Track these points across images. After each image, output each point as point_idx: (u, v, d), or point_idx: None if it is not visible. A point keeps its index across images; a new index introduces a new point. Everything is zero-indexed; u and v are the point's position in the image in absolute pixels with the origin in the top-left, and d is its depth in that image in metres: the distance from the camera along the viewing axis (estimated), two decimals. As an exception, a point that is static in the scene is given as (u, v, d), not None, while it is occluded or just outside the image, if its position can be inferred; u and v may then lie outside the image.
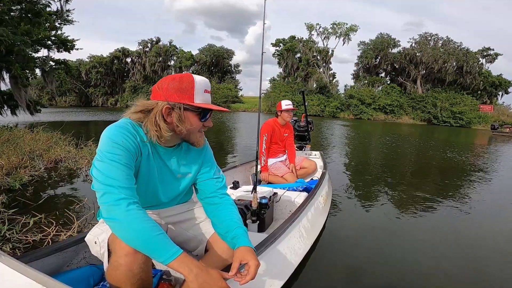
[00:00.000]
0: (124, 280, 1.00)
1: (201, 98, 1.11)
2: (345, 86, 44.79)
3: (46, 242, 2.20)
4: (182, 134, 1.15)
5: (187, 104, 1.09)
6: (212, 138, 9.71)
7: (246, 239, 1.16)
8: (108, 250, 1.09)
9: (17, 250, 2.05)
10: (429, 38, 40.30)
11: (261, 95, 2.83)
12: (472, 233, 2.98)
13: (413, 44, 40.48)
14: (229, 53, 52.78)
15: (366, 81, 41.92)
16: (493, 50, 38.14)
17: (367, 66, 43.05)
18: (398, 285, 1.97)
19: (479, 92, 38.37)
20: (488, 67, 39.08)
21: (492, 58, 38.45)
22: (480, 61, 38.23)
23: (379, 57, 42.38)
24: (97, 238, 1.15)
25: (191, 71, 45.00)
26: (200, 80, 1.12)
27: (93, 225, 1.27)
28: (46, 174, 4.20)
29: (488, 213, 3.65)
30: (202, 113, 1.13)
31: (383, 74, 44.39)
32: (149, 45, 50.02)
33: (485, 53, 38.47)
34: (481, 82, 37.66)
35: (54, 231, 2.33)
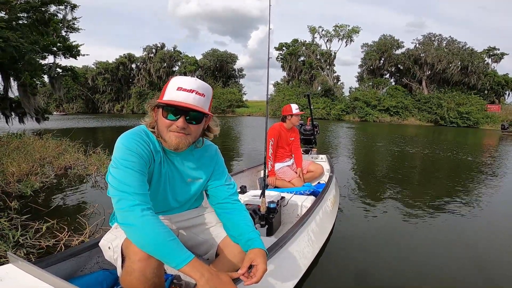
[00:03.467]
0: (137, 285, 1.02)
1: (170, 96, 1.10)
2: (350, 88, 44.74)
3: (59, 247, 2.24)
4: (160, 132, 1.15)
5: (158, 101, 1.13)
6: (217, 142, 9.76)
7: (260, 242, 1.19)
8: (122, 255, 1.12)
9: (31, 255, 2.10)
10: (433, 39, 40.05)
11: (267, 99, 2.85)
12: (483, 237, 2.93)
13: (417, 45, 40.26)
14: (233, 58, 53.19)
15: (371, 83, 41.73)
16: (498, 50, 37.82)
17: (371, 67, 42.90)
18: (408, 288, 1.96)
19: (485, 92, 37.93)
20: (494, 67, 38.70)
21: (498, 57, 38.04)
22: (485, 60, 37.85)
23: (383, 59, 42.21)
24: (111, 244, 1.18)
25: (196, 76, 44.92)
26: (178, 79, 1.13)
27: (104, 231, 1.29)
28: (56, 181, 4.27)
29: (500, 216, 3.59)
30: (170, 110, 1.11)
31: (387, 76, 44.18)
32: (153, 50, 50.57)
33: (490, 53, 38.09)
34: (487, 82, 37.21)
35: (67, 236, 2.37)
